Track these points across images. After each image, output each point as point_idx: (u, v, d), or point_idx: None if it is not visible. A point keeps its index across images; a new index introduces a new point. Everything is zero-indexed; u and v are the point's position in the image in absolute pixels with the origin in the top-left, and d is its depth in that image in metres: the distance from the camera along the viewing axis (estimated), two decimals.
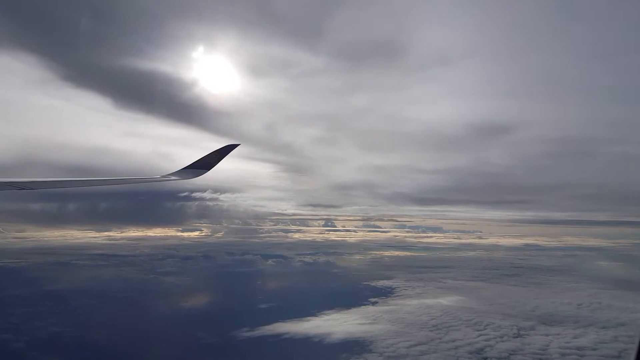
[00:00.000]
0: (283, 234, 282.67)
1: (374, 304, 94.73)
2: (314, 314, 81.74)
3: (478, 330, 71.58)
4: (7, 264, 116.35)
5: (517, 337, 68.24)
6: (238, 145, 12.21)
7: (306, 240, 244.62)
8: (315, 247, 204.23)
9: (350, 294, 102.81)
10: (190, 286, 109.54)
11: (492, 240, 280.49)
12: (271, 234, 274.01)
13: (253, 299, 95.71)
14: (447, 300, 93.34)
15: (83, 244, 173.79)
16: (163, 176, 10.99)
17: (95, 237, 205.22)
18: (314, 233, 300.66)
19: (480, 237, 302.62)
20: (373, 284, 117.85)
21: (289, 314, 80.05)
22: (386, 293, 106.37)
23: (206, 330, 70.14)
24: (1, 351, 60.57)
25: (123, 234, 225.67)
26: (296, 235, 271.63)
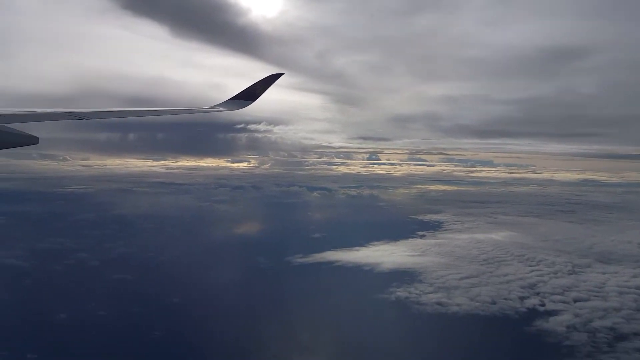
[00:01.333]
0: (327, 166, 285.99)
1: (421, 237, 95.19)
2: (362, 245, 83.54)
3: (530, 266, 70.85)
4: (77, 189, 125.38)
5: (571, 274, 67.10)
6: (282, 74, 11.88)
7: (350, 173, 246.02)
8: (360, 180, 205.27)
9: (397, 226, 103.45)
10: (243, 215, 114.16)
11: (546, 174, 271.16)
12: (316, 167, 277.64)
13: (303, 228, 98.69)
14: (498, 236, 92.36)
15: (142, 172, 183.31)
16: (211, 107, 11.04)
17: (153, 166, 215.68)
18: (358, 166, 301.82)
19: (534, 172, 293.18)
20: (420, 217, 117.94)
21: (339, 243, 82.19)
22: (434, 227, 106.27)
23: (262, 255, 73.75)
24: (80, 268, 66.55)
25: (178, 164, 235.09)
26: (340, 169, 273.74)
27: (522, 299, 57.71)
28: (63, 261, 68.75)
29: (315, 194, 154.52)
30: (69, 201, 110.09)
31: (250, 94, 11.48)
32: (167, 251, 74.95)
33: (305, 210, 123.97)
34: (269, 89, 11.86)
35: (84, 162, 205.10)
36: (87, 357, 43.43)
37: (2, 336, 44.62)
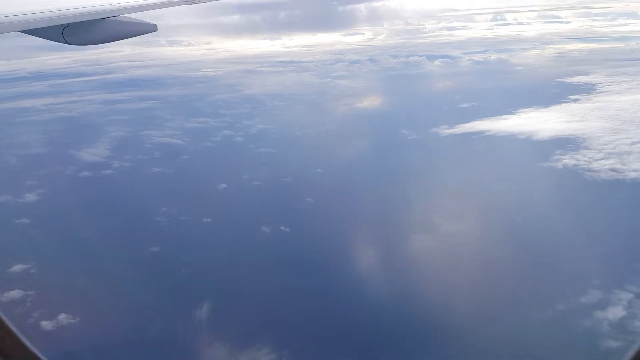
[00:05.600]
0: (447, 32, 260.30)
1: (575, 101, 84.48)
2: (510, 112, 75.95)
3: None
4: (207, 72, 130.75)
5: None
6: None
7: (474, 37, 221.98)
8: (485, 44, 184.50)
9: (543, 91, 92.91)
10: (365, 89, 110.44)
11: None
12: (435, 34, 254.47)
13: (435, 99, 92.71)
14: None
15: (264, 52, 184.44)
16: None
17: (272, 46, 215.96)
18: (481, 29, 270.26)
19: None
20: (568, 80, 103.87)
21: (483, 112, 75.54)
22: (586, 90, 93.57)
23: (405, 128, 70.24)
24: (225, 144, 70.17)
25: (295, 42, 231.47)
26: (461, 33, 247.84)
27: None
28: (210, 138, 72.94)
29: (436, 62, 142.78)
30: (203, 83, 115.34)
31: None
32: (302, 127, 75.35)
33: (431, 80, 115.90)
34: None
35: (208, 46, 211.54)
36: (250, 219, 45.54)
37: (178, 204, 48.84)
